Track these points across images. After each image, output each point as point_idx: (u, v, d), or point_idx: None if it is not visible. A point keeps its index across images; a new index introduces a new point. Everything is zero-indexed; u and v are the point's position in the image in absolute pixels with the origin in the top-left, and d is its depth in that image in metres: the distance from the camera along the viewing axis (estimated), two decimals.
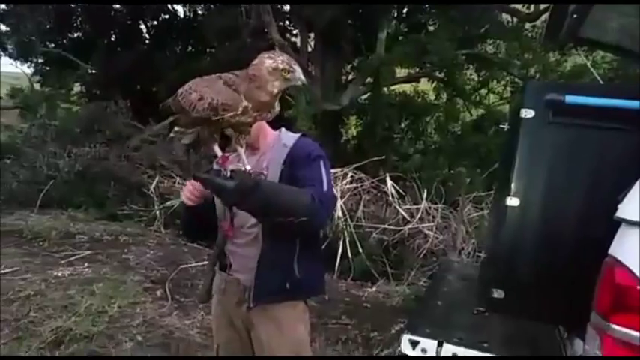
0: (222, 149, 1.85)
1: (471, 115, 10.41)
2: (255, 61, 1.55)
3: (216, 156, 1.78)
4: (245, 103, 1.55)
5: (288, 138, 1.98)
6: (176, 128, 1.86)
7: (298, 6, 9.11)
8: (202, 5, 12.17)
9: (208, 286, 2.06)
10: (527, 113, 1.91)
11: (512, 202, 1.95)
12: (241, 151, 1.76)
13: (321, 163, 1.90)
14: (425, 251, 5.80)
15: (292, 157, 1.89)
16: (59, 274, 4.51)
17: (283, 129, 2.07)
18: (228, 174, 1.65)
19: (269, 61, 1.52)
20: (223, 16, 9.89)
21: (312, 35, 9.77)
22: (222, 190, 1.63)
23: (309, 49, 9.86)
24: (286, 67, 1.52)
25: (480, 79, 10.16)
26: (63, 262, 4.90)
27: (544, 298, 1.97)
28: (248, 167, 1.73)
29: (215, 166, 1.83)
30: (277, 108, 1.70)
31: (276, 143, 1.97)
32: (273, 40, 8.78)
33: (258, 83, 1.53)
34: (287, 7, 10.75)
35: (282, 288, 1.90)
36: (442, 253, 5.73)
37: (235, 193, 1.60)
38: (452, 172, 8.04)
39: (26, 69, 12.43)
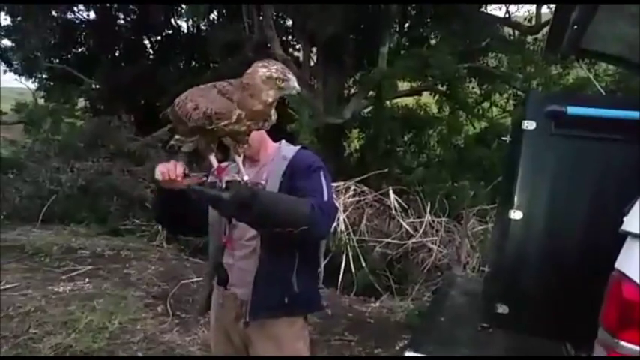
0: (225, 159, 1.83)
1: (474, 128, 10.39)
2: (249, 70, 1.53)
3: (212, 167, 1.76)
4: (238, 111, 1.53)
5: (288, 150, 1.97)
6: (176, 136, 1.84)
7: (301, 20, 9.15)
8: (206, 20, 12.26)
9: (205, 300, 2.03)
10: (529, 125, 1.89)
11: (516, 215, 1.92)
12: (239, 160, 1.74)
13: (321, 174, 1.88)
14: (429, 265, 5.75)
15: (292, 168, 1.88)
16: (60, 290, 4.48)
17: (283, 141, 2.06)
18: (224, 185, 1.63)
19: (263, 70, 1.50)
20: (226, 31, 9.96)
21: (314, 49, 9.81)
22: (218, 202, 1.61)
23: (312, 64, 9.91)
24: (280, 76, 1.50)
25: (483, 92, 10.15)
26: (64, 277, 4.87)
27: (550, 314, 1.93)
28: (246, 177, 1.70)
29: (211, 178, 1.81)
30: (274, 117, 1.68)
31: (276, 155, 1.95)
32: (276, 55, 8.82)
33: (252, 92, 1.51)
34: (290, 22, 10.84)
35: (280, 303, 1.87)
36: (446, 268, 5.66)
37: (231, 205, 1.58)
38: (455, 185, 8.00)
39: (30, 84, 12.50)
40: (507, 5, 9.54)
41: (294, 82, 1.53)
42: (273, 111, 1.66)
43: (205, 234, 2.02)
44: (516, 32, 9.38)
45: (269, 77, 1.50)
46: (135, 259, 5.75)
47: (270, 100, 1.52)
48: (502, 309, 1.93)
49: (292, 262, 1.88)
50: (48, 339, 3.52)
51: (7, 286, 4.45)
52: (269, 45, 9.02)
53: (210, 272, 2.02)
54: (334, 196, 5.74)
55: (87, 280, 4.85)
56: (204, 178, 1.80)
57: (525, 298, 1.95)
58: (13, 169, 8.13)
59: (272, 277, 1.86)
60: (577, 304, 1.78)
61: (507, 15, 9.58)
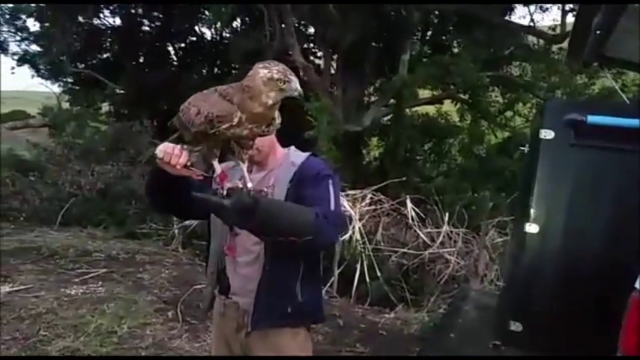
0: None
1: (496, 137, 10.23)
2: (250, 72, 1.48)
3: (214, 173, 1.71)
4: (239, 114, 1.48)
5: (297, 156, 1.92)
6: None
7: (322, 28, 9.17)
8: (228, 28, 12.40)
9: (209, 301, 2.00)
10: (547, 134, 1.79)
11: (531, 228, 1.81)
12: (243, 167, 1.69)
13: (329, 182, 1.82)
14: (446, 277, 5.61)
15: (300, 175, 1.83)
16: (72, 293, 4.48)
17: (292, 147, 2.00)
18: (225, 192, 1.58)
19: (264, 71, 1.45)
20: (248, 39, 10.05)
21: (335, 57, 9.80)
22: (220, 209, 1.56)
23: (332, 71, 9.90)
24: (282, 78, 1.44)
25: (506, 101, 9.98)
26: (77, 280, 4.87)
27: (566, 333, 1.81)
28: (249, 184, 1.65)
29: (214, 185, 1.76)
30: (278, 121, 1.62)
31: (285, 161, 1.90)
32: (297, 62, 8.83)
33: (251, 94, 1.46)
34: (311, 30, 10.86)
35: (283, 313, 1.80)
36: (464, 280, 5.52)
37: (233, 212, 1.53)
38: (475, 195, 7.85)
39: (56, 88, 12.78)
40: (532, 13, 9.36)
41: (295, 83, 1.47)
42: (277, 114, 1.61)
43: (188, 219, 1.95)
44: (541, 41, 9.20)
45: (270, 79, 1.44)
46: (149, 263, 5.75)
47: (270, 102, 1.46)
48: (515, 326, 1.83)
49: (297, 271, 1.82)
50: (56, 342, 3.50)
51: (21, 287, 4.48)
52: (290, 52, 9.04)
53: (212, 279, 1.98)
54: (346, 204, 5.69)
55: (100, 283, 4.85)
56: (205, 175, 1.73)
57: (540, 316, 1.84)
58: (34, 171, 8.26)
59: (275, 286, 1.81)
60: (594, 324, 1.67)
61: (532, 23, 9.41)
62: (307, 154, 1.95)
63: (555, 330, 1.82)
